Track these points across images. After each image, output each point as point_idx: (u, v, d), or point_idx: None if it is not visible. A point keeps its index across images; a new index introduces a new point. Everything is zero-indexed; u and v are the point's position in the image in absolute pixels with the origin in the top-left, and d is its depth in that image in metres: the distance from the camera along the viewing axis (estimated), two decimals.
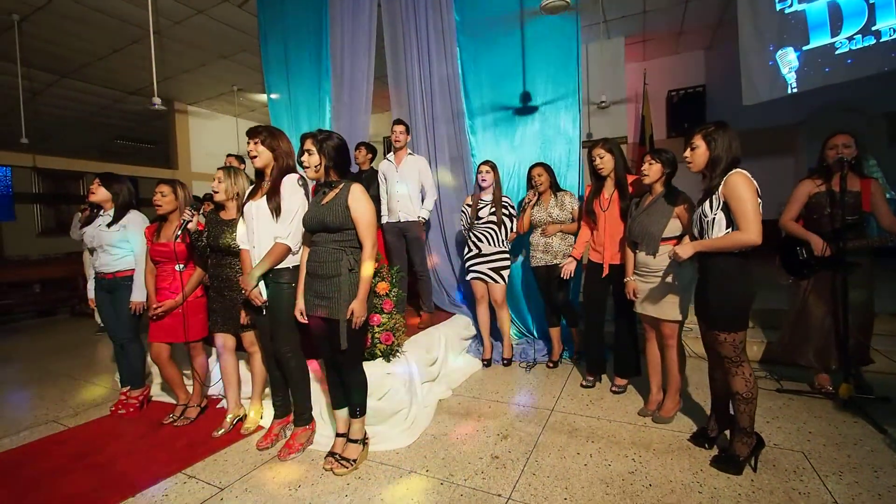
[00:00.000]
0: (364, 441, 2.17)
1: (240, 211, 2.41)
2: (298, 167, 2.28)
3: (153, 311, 2.55)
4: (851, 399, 2.48)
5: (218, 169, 2.51)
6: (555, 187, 3.25)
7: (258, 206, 2.19)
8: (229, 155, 4.14)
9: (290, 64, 5.22)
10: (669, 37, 6.80)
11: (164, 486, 2.04)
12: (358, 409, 2.12)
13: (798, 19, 4.55)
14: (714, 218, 1.94)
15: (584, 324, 3.02)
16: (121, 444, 2.46)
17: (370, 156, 4.11)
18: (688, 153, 2.03)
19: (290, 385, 2.30)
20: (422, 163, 3.59)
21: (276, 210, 2.14)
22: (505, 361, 3.46)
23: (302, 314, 2.12)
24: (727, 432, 2.15)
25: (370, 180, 3.82)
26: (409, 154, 3.60)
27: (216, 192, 2.46)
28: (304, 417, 2.32)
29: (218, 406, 2.89)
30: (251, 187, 2.34)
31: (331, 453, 2.16)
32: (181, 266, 2.60)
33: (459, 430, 2.46)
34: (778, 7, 4.64)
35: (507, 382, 3.13)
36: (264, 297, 2.21)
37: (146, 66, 5.99)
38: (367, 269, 1.99)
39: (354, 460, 2.10)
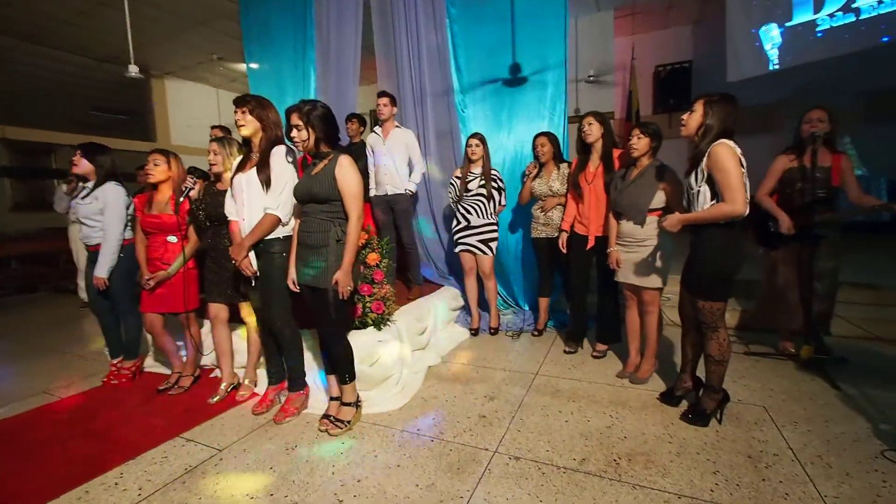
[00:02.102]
0: (357, 404, 2.27)
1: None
2: (287, 141, 2.28)
3: (145, 282, 2.56)
4: (812, 360, 2.66)
5: (211, 141, 2.49)
6: (558, 158, 3.28)
7: (248, 178, 2.20)
8: (214, 126, 4.06)
9: (272, 32, 5.08)
10: (658, 10, 6.77)
11: (163, 449, 2.11)
12: (347, 375, 2.20)
13: None
14: (699, 190, 2.02)
15: (569, 293, 3.14)
16: (117, 412, 2.51)
17: (362, 129, 4.08)
18: (685, 116, 2.09)
19: (283, 352, 2.37)
20: (409, 136, 3.60)
21: (266, 182, 2.16)
22: (492, 330, 3.58)
23: (294, 283, 2.17)
24: (696, 391, 2.31)
25: (359, 153, 3.81)
26: (397, 126, 3.59)
27: (214, 165, 2.45)
28: (299, 383, 2.40)
29: (211, 375, 2.96)
30: (239, 159, 2.34)
31: (325, 416, 2.26)
32: (173, 237, 2.60)
33: (448, 393, 2.57)
34: None
35: (494, 350, 3.26)
36: (255, 267, 2.25)
37: (116, 32, 5.74)
38: (353, 239, 2.03)
39: (348, 422, 2.20)
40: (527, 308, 3.99)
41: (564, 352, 3.13)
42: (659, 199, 2.46)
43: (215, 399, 2.57)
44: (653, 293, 2.52)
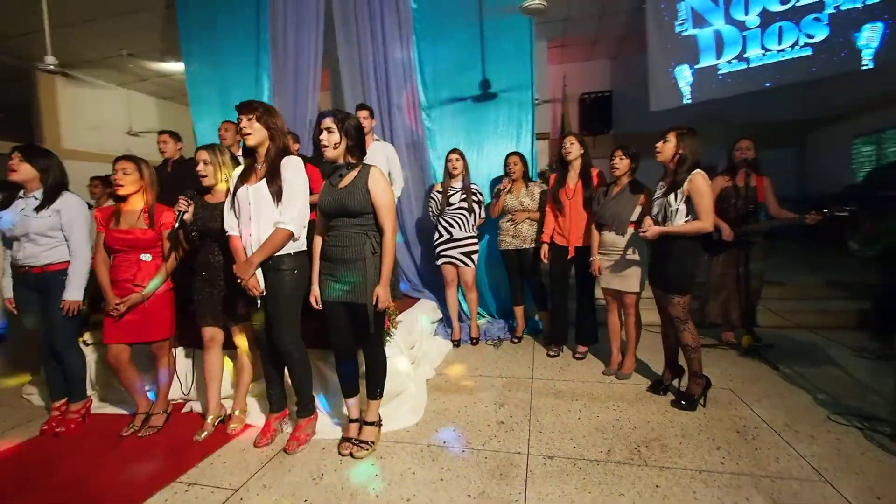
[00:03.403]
0: (379, 423, 2.20)
1: (228, 193, 2.22)
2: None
3: (114, 307, 2.22)
4: (751, 347, 3.17)
5: (200, 149, 2.26)
6: (526, 177, 3.51)
7: (256, 191, 2.05)
8: (163, 132, 3.63)
9: (218, 32, 4.73)
10: (584, 44, 7.56)
11: (162, 497, 1.84)
12: (378, 391, 2.14)
13: (692, 41, 5.42)
14: (677, 208, 2.36)
15: (550, 300, 3.36)
16: (78, 462, 2.12)
17: None
18: (660, 144, 2.42)
19: (292, 376, 2.20)
20: (389, 149, 3.58)
21: (277, 194, 2.03)
22: (473, 341, 3.66)
23: (316, 301, 2.06)
24: (676, 380, 2.64)
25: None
26: (376, 140, 3.56)
27: (204, 177, 2.22)
28: (309, 408, 2.25)
29: (183, 411, 2.63)
30: (240, 170, 2.16)
31: (345, 439, 2.15)
32: (147, 255, 2.30)
33: (457, 404, 2.60)
34: (677, 30, 5.47)
35: (481, 359, 3.34)
36: (262, 286, 2.09)
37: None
38: (391, 252, 2.01)
39: (372, 442, 2.12)
40: (497, 317, 4.15)
41: (548, 355, 3.32)
42: (637, 212, 2.78)
43: (203, 435, 2.29)
44: (633, 297, 2.81)
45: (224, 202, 2.24)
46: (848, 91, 6.78)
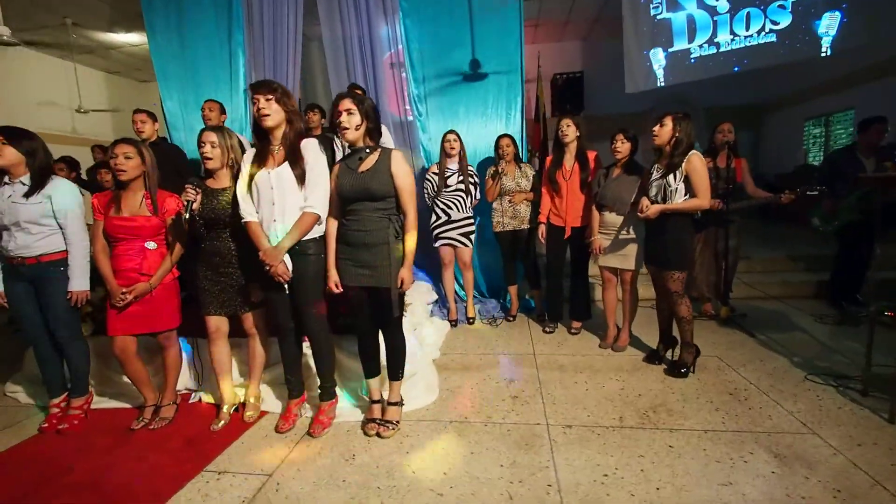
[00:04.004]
0: (401, 403, 2.24)
1: (235, 178, 2.14)
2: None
3: (120, 298, 2.12)
4: (729, 317, 3.45)
5: (205, 130, 2.15)
6: (517, 159, 3.56)
7: (279, 175, 1.99)
8: (139, 111, 3.38)
9: (183, 6, 4.40)
10: (557, 24, 7.61)
11: (195, 487, 1.82)
12: (400, 371, 2.18)
13: (665, 25, 5.57)
14: (676, 188, 2.50)
15: (546, 279, 3.48)
16: (92, 460, 2.05)
17: (323, 120, 3.83)
18: (656, 129, 2.54)
19: (317, 358, 2.20)
20: (384, 132, 3.52)
21: (301, 177, 1.99)
22: (470, 320, 3.75)
23: (337, 285, 2.06)
24: (669, 351, 2.84)
25: (324, 146, 3.58)
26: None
27: (209, 159, 2.12)
28: (331, 391, 2.26)
29: (191, 401, 2.57)
30: (253, 153, 2.09)
31: (369, 420, 2.19)
32: (152, 243, 2.19)
33: (469, 382, 2.69)
34: (652, 13, 5.61)
35: (481, 338, 3.44)
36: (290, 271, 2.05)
37: None
38: (413, 236, 2.02)
39: (397, 421, 2.17)
40: (487, 296, 4.25)
41: (544, 331, 3.47)
42: (635, 193, 2.91)
43: (219, 424, 2.27)
44: (630, 273, 2.97)
45: (228, 187, 2.17)
46: (799, 76, 7.24)
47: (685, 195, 2.51)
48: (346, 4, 4.11)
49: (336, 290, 2.07)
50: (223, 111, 3.66)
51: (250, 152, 2.10)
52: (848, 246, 3.64)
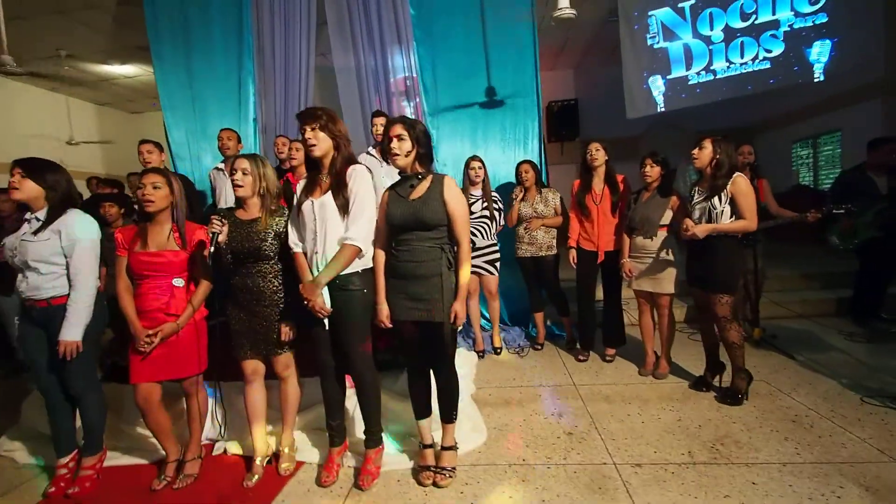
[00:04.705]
0: (455, 447, 2.07)
1: (264, 208, 2.02)
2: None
3: (144, 342, 1.92)
4: (761, 339, 3.39)
5: (238, 157, 2.02)
6: (539, 184, 3.52)
7: (322, 204, 1.87)
8: (146, 141, 3.24)
9: (191, 32, 4.35)
10: (551, 54, 7.81)
11: None
12: (454, 413, 2.02)
13: (663, 54, 5.74)
14: (722, 210, 2.46)
15: (578, 305, 3.38)
16: None
17: None
18: (696, 152, 2.52)
19: (363, 401, 2.02)
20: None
21: (343, 207, 1.87)
22: (497, 350, 3.60)
23: (387, 320, 1.92)
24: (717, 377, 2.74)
25: None
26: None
27: (240, 186, 1.99)
28: (378, 437, 2.07)
29: (214, 453, 2.33)
30: (303, 182, 1.97)
31: (422, 467, 2.00)
32: (179, 280, 2.02)
33: (516, 419, 2.52)
34: (649, 42, 5.78)
35: (514, 369, 3.28)
36: (329, 306, 1.90)
37: None
38: (467, 267, 1.90)
39: (454, 468, 2.00)
40: (510, 324, 4.12)
41: (578, 360, 3.34)
42: (667, 216, 2.87)
43: (253, 479, 2.04)
44: (667, 298, 2.89)
45: (258, 218, 2.03)
46: (786, 99, 7.55)
47: (731, 217, 2.47)
48: (360, 34, 4.11)
49: (386, 325, 1.93)
50: (240, 140, 3.54)
51: (303, 180, 1.99)
52: (868, 263, 3.66)
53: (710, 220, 2.52)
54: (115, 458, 2.31)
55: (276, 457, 2.18)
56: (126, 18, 5.35)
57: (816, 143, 7.28)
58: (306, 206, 1.89)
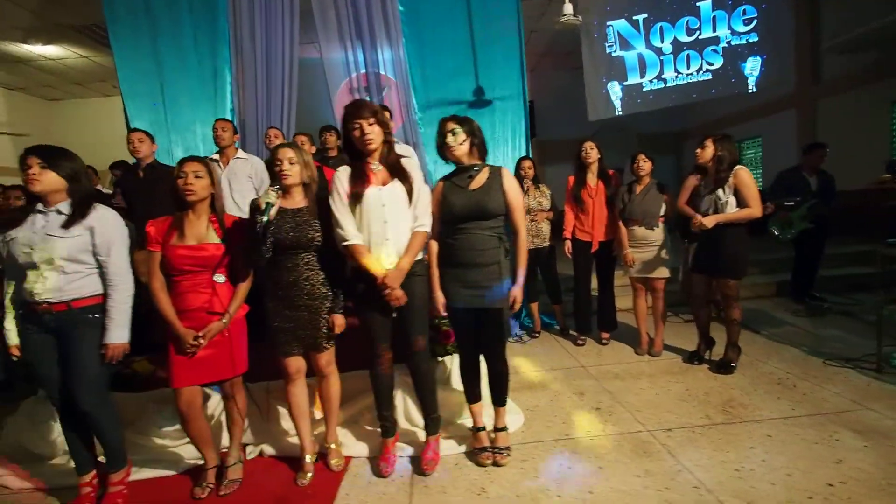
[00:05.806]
0: (507, 428, 2.15)
1: (308, 198, 1.96)
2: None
3: (190, 344, 1.78)
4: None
5: (282, 146, 1.94)
6: (535, 180, 3.70)
7: (390, 192, 1.88)
8: (135, 129, 2.95)
9: (155, 13, 4.01)
10: None
11: None
12: (506, 395, 2.11)
13: (620, 61, 6.22)
14: (727, 200, 2.77)
15: (575, 293, 3.60)
16: None
17: (339, 141, 3.64)
18: (699, 151, 2.83)
19: (421, 388, 2.04)
20: (408, 152, 3.46)
21: (411, 194, 1.90)
22: None
23: (444, 308, 1.96)
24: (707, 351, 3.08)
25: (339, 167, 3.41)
26: (395, 143, 3.41)
27: (287, 175, 1.91)
28: (438, 422, 2.10)
29: (249, 456, 2.21)
30: (349, 171, 1.93)
31: (478, 449, 2.07)
32: (220, 276, 1.90)
33: (542, 401, 2.66)
34: (607, 50, 6.23)
35: (520, 356, 3.42)
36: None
37: None
38: (525, 254, 2.01)
39: (509, 447, 2.08)
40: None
41: (576, 344, 3.56)
42: (663, 208, 3.18)
43: (307, 478, 1.98)
44: (662, 282, 3.20)
45: (304, 208, 1.97)
46: (714, 107, 8.48)
47: (736, 207, 2.78)
48: (346, 29, 4.04)
49: (443, 312, 1.97)
50: (236, 131, 3.33)
51: (343, 171, 1.95)
52: (802, 250, 4.28)
53: (716, 211, 2.82)
54: (135, 473, 2.10)
55: (322, 455, 2.12)
56: None
57: (741, 148, 8.26)
58: (373, 193, 1.87)
